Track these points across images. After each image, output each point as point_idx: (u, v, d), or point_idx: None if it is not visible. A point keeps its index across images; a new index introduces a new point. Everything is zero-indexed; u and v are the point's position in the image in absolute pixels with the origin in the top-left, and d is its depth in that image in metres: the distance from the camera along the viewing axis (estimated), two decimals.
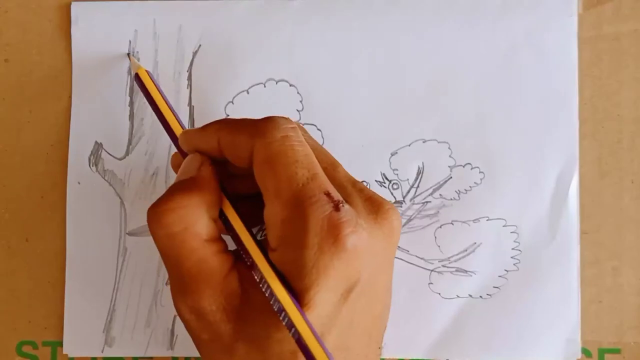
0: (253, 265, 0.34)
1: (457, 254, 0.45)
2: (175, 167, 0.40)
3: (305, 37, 0.46)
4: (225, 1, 0.46)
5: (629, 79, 0.46)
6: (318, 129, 0.45)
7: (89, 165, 0.45)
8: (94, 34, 0.46)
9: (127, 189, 0.45)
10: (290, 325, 0.32)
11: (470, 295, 0.45)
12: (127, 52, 0.46)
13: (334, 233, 0.33)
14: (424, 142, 0.45)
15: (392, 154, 0.45)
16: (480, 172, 0.45)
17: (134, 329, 0.45)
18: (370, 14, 0.45)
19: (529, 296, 0.44)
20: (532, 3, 0.45)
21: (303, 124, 0.45)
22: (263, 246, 0.35)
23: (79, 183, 0.45)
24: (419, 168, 0.45)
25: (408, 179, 0.45)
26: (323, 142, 0.45)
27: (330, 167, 0.37)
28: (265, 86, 0.45)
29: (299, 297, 0.33)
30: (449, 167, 0.45)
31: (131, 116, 0.46)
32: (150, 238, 0.44)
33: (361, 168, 0.45)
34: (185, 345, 0.45)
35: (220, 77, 0.45)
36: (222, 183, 0.37)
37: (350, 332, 0.35)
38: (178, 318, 0.44)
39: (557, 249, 0.45)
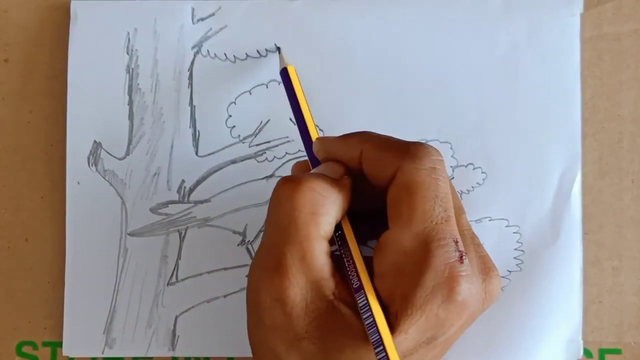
0: (359, 289, 0.34)
1: None
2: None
3: (307, 38, 0.45)
4: (227, 1, 0.46)
5: (630, 78, 0.46)
6: (320, 130, 0.45)
7: (88, 165, 0.45)
8: (93, 32, 0.46)
9: (128, 189, 0.45)
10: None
11: None
12: (277, 46, 0.45)
13: (451, 283, 0.32)
14: (426, 142, 0.45)
15: None
16: (482, 172, 0.45)
17: (135, 329, 0.45)
18: (371, 14, 0.45)
19: (531, 297, 0.44)
20: (535, 3, 0.45)
21: None
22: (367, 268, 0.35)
23: (78, 183, 0.45)
24: None
25: None
26: None
27: (457, 212, 0.36)
28: (267, 87, 0.45)
29: (392, 328, 0.33)
30: (451, 167, 0.45)
31: (130, 115, 0.45)
32: (151, 239, 0.45)
33: None
34: (187, 345, 0.45)
35: (222, 77, 0.45)
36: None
37: None
38: (180, 318, 0.45)
39: (560, 249, 0.45)
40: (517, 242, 0.45)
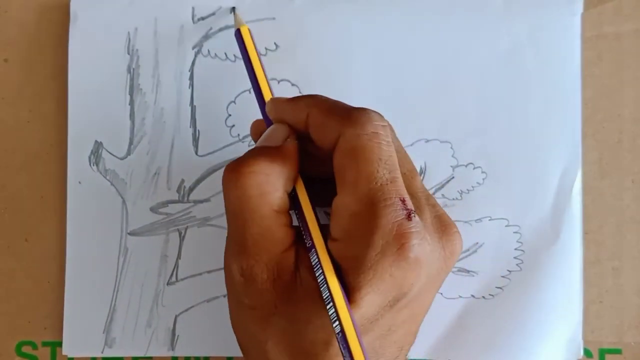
0: (311, 248, 0.35)
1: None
2: (255, 134, 0.40)
3: (307, 37, 0.45)
4: (227, 0, 0.46)
5: (630, 78, 0.46)
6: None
7: (90, 165, 0.45)
8: (94, 31, 0.45)
9: (129, 189, 0.45)
10: (335, 318, 0.32)
11: (473, 296, 0.45)
12: (232, 7, 0.45)
13: (400, 240, 0.33)
14: (426, 141, 0.45)
15: None
16: (482, 172, 0.45)
17: (135, 329, 0.45)
18: (372, 13, 0.45)
19: (531, 297, 0.44)
20: (535, 2, 0.45)
21: None
22: (324, 232, 0.35)
23: (79, 182, 0.45)
24: (421, 168, 0.45)
25: None
26: None
27: (409, 174, 0.37)
28: None
29: (349, 292, 0.33)
30: (452, 167, 0.45)
31: (132, 115, 0.45)
32: (152, 238, 0.45)
33: None
34: (187, 345, 0.45)
35: (222, 77, 0.45)
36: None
37: (385, 339, 0.35)
38: (179, 318, 0.45)
39: (560, 249, 0.45)
40: (517, 241, 0.45)
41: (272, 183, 0.35)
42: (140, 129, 0.45)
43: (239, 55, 0.45)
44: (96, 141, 0.45)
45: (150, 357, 0.45)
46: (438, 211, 0.37)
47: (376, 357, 0.35)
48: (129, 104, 0.45)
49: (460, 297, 0.45)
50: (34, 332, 0.46)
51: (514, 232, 0.45)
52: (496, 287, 0.45)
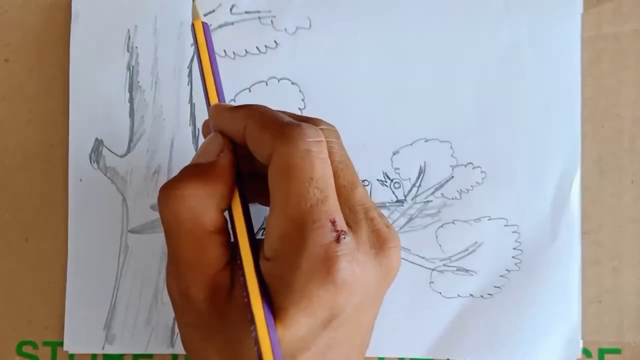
0: (241, 270, 0.34)
1: (458, 253, 0.45)
2: (206, 135, 0.39)
3: (308, 36, 0.46)
4: None
5: (629, 78, 0.46)
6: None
7: (90, 162, 0.45)
8: (94, 30, 0.46)
9: (129, 187, 0.45)
10: (256, 340, 0.31)
11: (471, 295, 0.45)
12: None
13: (327, 264, 0.32)
14: (425, 141, 0.45)
15: (394, 153, 0.45)
16: (481, 171, 0.45)
17: (135, 326, 0.45)
18: (372, 12, 0.45)
19: (530, 296, 0.44)
20: (536, 3, 0.45)
21: None
22: (259, 251, 0.34)
23: (80, 180, 0.45)
24: (420, 167, 0.45)
25: (410, 178, 0.45)
26: None
27: (349, 186, 0.36)
28: (267, 84, 0.45)
29: (277, 313, 0.32)
30: (451, 166, 0.45)
31: (131, 113, 0.46)
32: (152, 236, 0.45)
33: (363, 167, 0.44)
34: None
35: (222, 74, 0.45)
36: (237, 166, 0.36)
37: (326, 356, 0.34)
38: None
39: (559, 249, 0.45)
40: (516, 241, 0.45)
41: (202, 205, 0.34)
42: (140, 127, 0.45)
43: (239, 52, 0.45)
44: (97, 139, 0.45)
45: (150, 354, 0.45)
46: (376, 225, 0.35)
47: None
48: (129, 102, 0.46)
49: (459, 296, 0.45)
50: (35, 332, 0.46)
51: (513, 232, 0.45)
52: (495, 287, 0.45)
